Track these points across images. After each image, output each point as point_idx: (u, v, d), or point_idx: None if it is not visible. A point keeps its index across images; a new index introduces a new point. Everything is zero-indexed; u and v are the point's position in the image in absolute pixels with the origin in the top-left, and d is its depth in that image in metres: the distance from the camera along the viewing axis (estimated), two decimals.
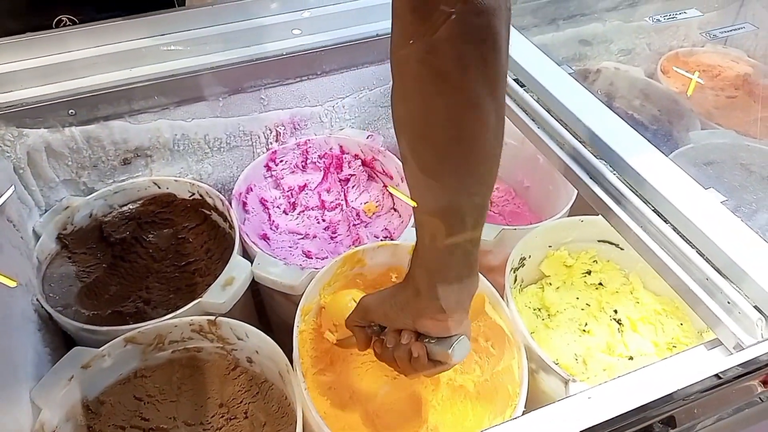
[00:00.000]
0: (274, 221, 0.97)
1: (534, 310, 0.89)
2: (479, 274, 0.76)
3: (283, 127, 0.99)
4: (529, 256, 0.88)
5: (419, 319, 0.55)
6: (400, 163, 0.81)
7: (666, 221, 0.59)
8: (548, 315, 0.88)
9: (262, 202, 0.98)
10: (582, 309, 0.88)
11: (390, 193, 1.01)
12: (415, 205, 0.51)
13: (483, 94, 0.43)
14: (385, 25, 0.96)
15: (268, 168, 1.00)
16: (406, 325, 0.56)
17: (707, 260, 0.55)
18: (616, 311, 0.87)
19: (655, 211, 0.59)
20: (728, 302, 0.52)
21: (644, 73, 1.13)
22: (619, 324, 0.86)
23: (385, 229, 0.97)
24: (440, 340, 0.55)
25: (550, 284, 0.91)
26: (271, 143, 1.00)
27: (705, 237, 0.55)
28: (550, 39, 1.05)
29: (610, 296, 0.89)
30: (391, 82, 0.47)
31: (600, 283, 0.91)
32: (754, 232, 0.55)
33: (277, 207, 1.00)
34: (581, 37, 1.11)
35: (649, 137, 0.66)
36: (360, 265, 0.81)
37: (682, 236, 0.57)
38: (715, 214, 0.57)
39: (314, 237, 0.95)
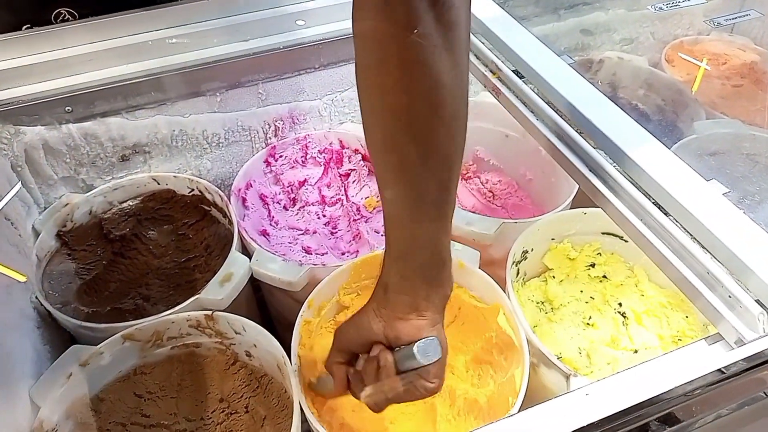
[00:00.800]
0: (273, 217, 0.97)
1: (537, 303, 0.88)
2: (497, 286, 0.76)
3: (281, 122, 0.98)
4: (532, 249, 0.87)
5: (389, 323, 0.50)
6: None
7: (666, 214, 0.57)
8: (552, 308, 0.87)
9: (262, 197, 0.98)
10: (586, 302, 0.87)
11: None
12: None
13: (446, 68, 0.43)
14: None
15: (268, 163, 0.99)
16: (378, 338, 0.52)
17: (708, 253, 0.54)
18: (620, 304, 0.86)
19: (655, 203, 0.58)
20: (729, 296, 0.51)
21: (648, 63, 1.11)
22: (624, 317, 0.85)
23: None
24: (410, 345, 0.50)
25: (554, 277, 0.90)
26: (270, 138, 0.99)
27: (706, 230, 0.54)
28: (551, 29, 1.04)
29: (615, 289, 0.88)
30: None
31: (604, 276, 0.90)
32: (756, 224, 0.54)
33: (277, 203, 0.99)
34: (583, 26, 1.09)
35: (654, 128, 0.65)
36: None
37: (683, 229, 0.56)
38: (716, 206, 0.56)
39: (314, 233, 0.94)
